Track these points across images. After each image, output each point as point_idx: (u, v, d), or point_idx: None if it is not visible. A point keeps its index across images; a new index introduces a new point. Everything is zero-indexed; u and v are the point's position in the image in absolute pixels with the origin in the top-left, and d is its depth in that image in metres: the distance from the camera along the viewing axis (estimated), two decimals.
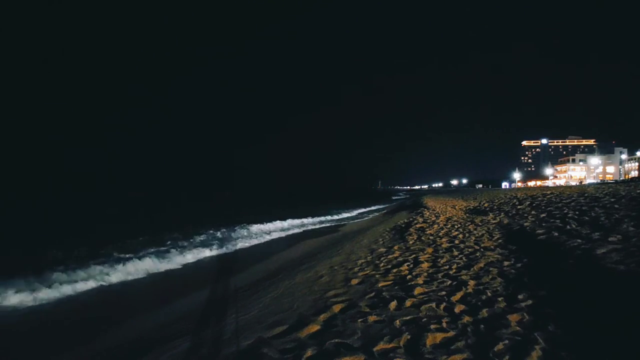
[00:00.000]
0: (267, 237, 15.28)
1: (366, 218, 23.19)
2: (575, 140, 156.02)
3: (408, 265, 5.06)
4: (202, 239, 14.04)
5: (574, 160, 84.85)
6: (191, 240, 13.56)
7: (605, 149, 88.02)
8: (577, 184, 64.60)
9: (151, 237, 13.51)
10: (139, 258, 9.76)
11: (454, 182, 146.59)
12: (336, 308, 3.46)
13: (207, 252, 11.45)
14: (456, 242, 6.74)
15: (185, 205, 47.33)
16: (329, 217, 24.50)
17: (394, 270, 4.83)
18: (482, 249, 5.86)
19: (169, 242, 12.63)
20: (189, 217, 25.78)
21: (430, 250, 6.14)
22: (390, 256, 5.91)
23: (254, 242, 14.06)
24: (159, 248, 11.65)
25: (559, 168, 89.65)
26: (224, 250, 12.09)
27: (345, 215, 26.97)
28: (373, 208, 35.98)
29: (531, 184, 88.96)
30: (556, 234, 6.12)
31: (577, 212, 8.22)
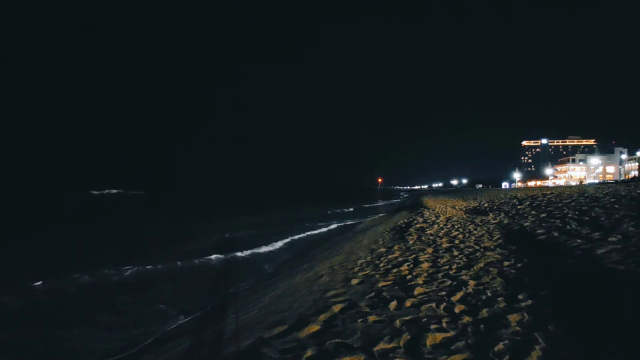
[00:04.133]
0: None
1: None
2: (575, 140, 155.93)
3: (408, 265, 5.06)
4: None
5: (574, 160, 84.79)
6: None
7: (605, 149, 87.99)
8: (577, 184, 64.58)
9: None
10: None
11: (454, 182, 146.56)
12: (336, 308, 3.46)
13: None
14: (456, 242, 6.74)
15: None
16: None
17: (394, 270, 4.83)
18: (482, 249, 5.86)
19: None
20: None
21: (430, 250, 6.14)
22: (390, 256, 5.91)
23: None
24: None
25: (559, 168, 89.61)
26: None
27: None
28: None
29: (531, 184, 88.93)
30: (556, 234, 6.12)
31: (577, 212, 8.22)
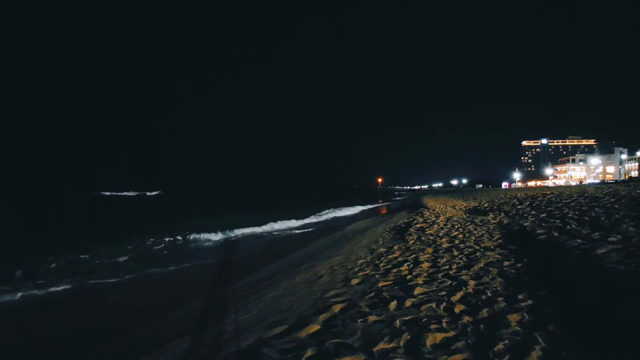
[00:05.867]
0: None
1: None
2: (575, 140, 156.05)
3: (408, 265, 5.06)
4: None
5: (574, 160, 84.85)
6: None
7: (605, 149, 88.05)
8: (577, 184, 64.60)
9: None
10: None
11: (454, 182, 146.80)
12: (336, 308, 3.45)
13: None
14: (456, 242, 6.74)
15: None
16: None
17: (394, 270, 4.83)
18: (482, 249, 5.86)
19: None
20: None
21: (430, 250, 6.14)
22: (390, 256, 5.91)
23: None
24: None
25: (559, 168, 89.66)
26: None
27: None
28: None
29: (531, 184, 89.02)
30: (556, 234, 6.11)
31: (577, 212, 8.22)
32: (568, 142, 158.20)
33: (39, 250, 11.47)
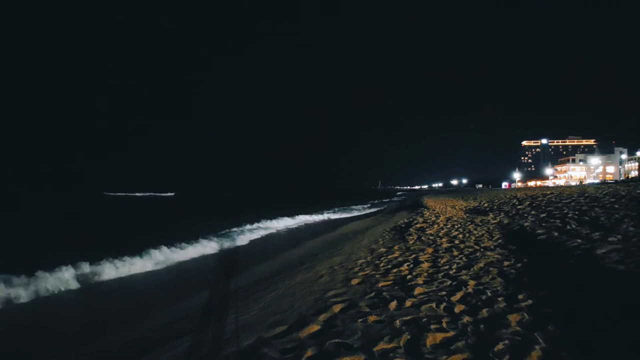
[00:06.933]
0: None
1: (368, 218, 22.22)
2: (575, 140, 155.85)
3: (408, 265, 5.07)
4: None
5: (574, 161, 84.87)
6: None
7: (605, 149, 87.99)
8: (577, 184, 64.61)
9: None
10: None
11: (454, 182, 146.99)
12: (336, 308, 3.46)
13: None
14: (456, 242, 6.75)
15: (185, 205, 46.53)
16: None
17: (394, 270, 4.83)
18: (482, 249, 5.87)
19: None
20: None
21: (430, 250, 6.15)
22: (390, 256, 5.91)
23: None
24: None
25: (559, 168, 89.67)
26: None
27: None
28: None
29: (531, 184, 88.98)
30: (556, 234, 6.12)
31: (577, 212, 8.22)
32: (568, 142, 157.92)
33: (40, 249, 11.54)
